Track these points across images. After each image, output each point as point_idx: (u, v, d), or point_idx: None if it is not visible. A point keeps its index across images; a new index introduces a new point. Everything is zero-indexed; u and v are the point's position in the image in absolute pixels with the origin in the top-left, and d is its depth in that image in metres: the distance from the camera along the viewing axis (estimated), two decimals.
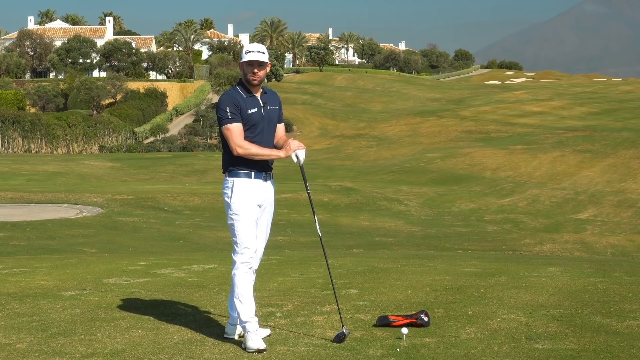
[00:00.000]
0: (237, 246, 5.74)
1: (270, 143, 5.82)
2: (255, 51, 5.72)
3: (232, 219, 5.74)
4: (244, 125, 5.68)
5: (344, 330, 5.87)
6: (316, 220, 6.10)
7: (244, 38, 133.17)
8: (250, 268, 5.77)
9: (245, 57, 5.70)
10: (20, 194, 27.10)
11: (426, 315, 6.30)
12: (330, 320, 6.52)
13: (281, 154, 5.75)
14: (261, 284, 8.19)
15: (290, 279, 8.82)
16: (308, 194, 6.09)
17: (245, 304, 5.72)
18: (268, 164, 5.83)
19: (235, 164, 5.72)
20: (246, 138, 5.69)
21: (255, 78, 5.72)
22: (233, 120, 5.63)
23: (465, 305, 7.09)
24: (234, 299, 5.75)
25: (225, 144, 5.75)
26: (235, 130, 5.63)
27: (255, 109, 5.72)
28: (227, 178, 5.78)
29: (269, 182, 5.87)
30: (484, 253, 16.40)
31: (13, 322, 6.51)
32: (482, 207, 37.76)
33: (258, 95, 5.80)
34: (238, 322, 5.81)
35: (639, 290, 7.96)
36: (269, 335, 5.99)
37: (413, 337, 5.93)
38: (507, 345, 5.74)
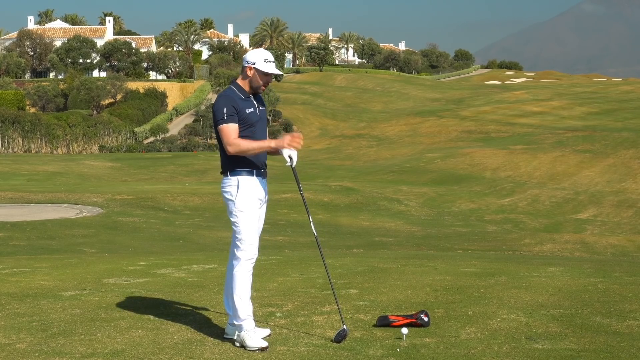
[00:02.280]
0: (241, 243, 5.78)
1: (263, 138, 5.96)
2: (273, 62, 5.86)
3: (236, 216, 5.79)
4: (243, 125, 5.77)
5: (344, 327, 5.88)
6: (311, 220, 6.15)
7: (244, 38, 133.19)
8: (253, 264, 5.81)
9: (266, 68, 5.81)
10: (20, 194, 27.11)
11: (426, 315, 6.30)
12: (330, 320, 6.52)
13: (272, 143, 5.78)
14: (261, 284, 8.19)
15: (290, 279, 8.82)
16: (301, 194, 6.14)
17: (245, 300, 5.76)
18: (264, 164, 5.91)
19: (237, 163, 5.79)
20: (244, 134, 5.77)
21: (265, 87, 5.91)
22: (228, 121, 5.71)
23: (465, 305, 7.09)
24: (234, 296, 5.77)
25: (220, 144, 5.81)
26: (228, 130, 5.70)
27: (252, 109, 5.84)
28: (230, 177, 5.82)
29: (265, 180, 5.97)
30: (484, 253, 16.40)
31: (13, 322, 6.51)
32: (482, 207, 37.76)
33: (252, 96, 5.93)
34: (235, 320, 5.82)
35: (639, 290, 7.96)
36: (269, 335, 6.01)
37: (413, 337, 5.93)
38: (507, 345, 5.74)
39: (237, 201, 5.78)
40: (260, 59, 5.81)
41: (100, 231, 19.89)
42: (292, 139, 5.80)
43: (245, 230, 5.77)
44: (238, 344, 5.76)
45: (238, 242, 5.79)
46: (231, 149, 5.68)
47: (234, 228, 5.82)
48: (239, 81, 5.89)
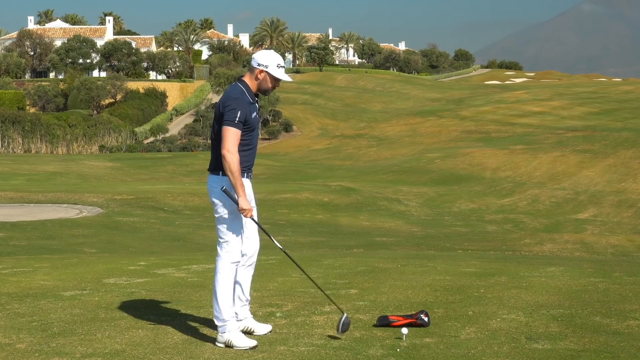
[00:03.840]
0: (228, 245, 5.75)
1: (257, 142, 5.96)
2: (284, 67, 5.82)
3: (226, 217, 5.73)
4: (245, 128, 5.72)
5: (344, 315, 5.85)
6: (272, 239, 5.97)
7: (243, 38, 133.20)
8: (236, 266, 5.79)
9: (278, 73, 5.77)
10: (20, 194, 27.10)
11: (426, 315, 6.30)
12: (330, 320, 6.52)
13: (241, 198, 5.61)
14: (261, 284, 8.19)
15: (290, 279, 8.82)
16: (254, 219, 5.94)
17: (229, 301, 5.72)
18: (252, 166, 5.89)
19: None
20: (244, 138, 5.74)
21: (272, 90, 5.87)
22: (237, 126, 5.64)
23: (465, 305, 7.09)
24: (218, 297, 5.72)
25: (219, 141, 5.73)
26: (235, 136, 5.64)
27: (255, 113, 5.81)
28: (222, 177, 5.76)
29: (251, 181, 5.96)
30: (484, 253, 16.40)
31: (13, 322, 6.51)
32: (482, 207, 37.75)
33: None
34: (217, 322, 5.75)
35: (639, 290, 7.96)
36: (270, 331, 6.05)
37: (413, 337, 5.93)
38: (507, 345, 5.74)
39: (228, 203, 5.73)
40: (273, 64, 5.75)
41: (100, 231, 19.89)
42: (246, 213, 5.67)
43: (234, 232, 5.73)
44: (222, 346, 5.70)
45: (225, 244, 5.75)
46: (228, 157, 5.58)
47: (221, 229, 5.76)
48: (247, 81, 5.81)
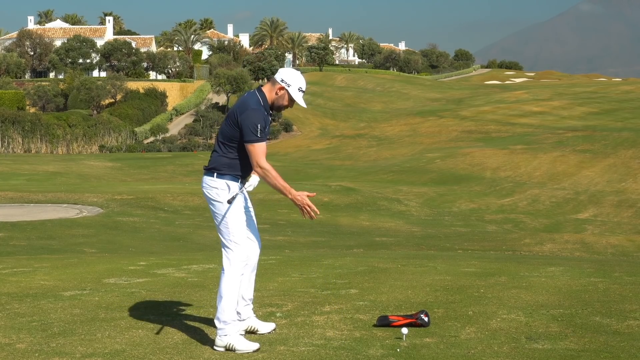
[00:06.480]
0: (232, 245, 5.72)
1: None
2: (304, 92, 5.84)
3: (226, 217, 5.70)
4: None
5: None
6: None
7: (243, 38, 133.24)
8: (246, 265, 5.78)
9: (297, 97, 5.79)
10: (20, 194, 27.10)
11: (426, 315, 6.30)
12: (330, 320, 6.52)
13: (291, 193, 5.63)
14: (261, 284, 8.19)
15: (290, 279, 8.81)
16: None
17: (233, 304, 5.69)
18: (247, 176, 5.88)
19: (232, 167, 5.73)
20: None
21: (284, 109, 5.88)
22: (261, 140, 5.64)
23: (465, 305, 7.09)
24: (223, 298, 5.68)
25: (225, 147, 5.71)
26: (262, 150, 5.63)
27: (267, 125, 5.80)
28: (215, 178, 5.74)
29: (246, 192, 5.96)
30: (484, 253, 16.40)
31: (13, 322, 6.50)
32: (482, 207, 37.76)
33: None
34: (218, 324, 5.70)
35: (639, 290, 7.95)
36: (274, 329, 6.08)
37: (413, 337, 5.93)
38: (507, 345, 5.74)
39: (226, 204, 5.71)
40: (296, 86, 5.78)
41: (100, 231, 19.89)
42: (307, 205, 5.64)
43: (237, 231, 5.70)
44: (222, 349, 5.66)
45: (229, 245, 5.72)
46: (260, 171, 5.61)
47: (223, 229, 5.73)
48: (266, 92, 5.79)
